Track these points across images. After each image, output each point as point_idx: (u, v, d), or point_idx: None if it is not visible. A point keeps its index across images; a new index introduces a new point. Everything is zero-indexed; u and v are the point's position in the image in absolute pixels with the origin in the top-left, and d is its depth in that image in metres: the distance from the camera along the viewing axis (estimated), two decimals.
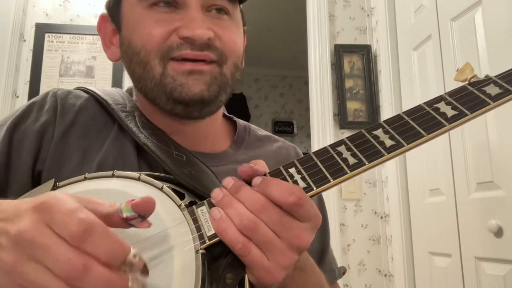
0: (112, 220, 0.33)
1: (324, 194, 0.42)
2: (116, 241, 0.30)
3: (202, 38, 0.50)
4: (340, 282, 0.69)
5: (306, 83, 2.81)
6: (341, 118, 2.02)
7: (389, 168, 1.90)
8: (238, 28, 0.57)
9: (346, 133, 2.04)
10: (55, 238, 0.30)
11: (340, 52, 2.10)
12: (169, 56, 0.51)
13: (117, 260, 0.30)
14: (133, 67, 0.54)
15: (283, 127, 4.59)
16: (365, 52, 2.11)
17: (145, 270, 0.33)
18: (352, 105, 2.05)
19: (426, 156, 1.65)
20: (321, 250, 0.67)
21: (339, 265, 0.70)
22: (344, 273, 0.69)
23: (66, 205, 0.31)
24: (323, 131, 2.00)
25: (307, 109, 3.40)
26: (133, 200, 0.34)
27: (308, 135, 2.90)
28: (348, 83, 2.07)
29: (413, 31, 1.82)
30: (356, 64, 2.10)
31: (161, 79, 0.52)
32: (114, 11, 0.57)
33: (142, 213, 0.34)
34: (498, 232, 1.22)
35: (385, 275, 1.91)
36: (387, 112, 1.96)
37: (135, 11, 0.53)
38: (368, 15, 2.19)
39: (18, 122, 0.55)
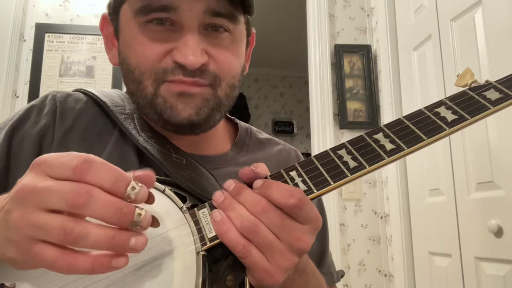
0: None
1: (324, 195, 0.42)
2: (116, 169, 0.32)
3: (193, 65, 0.49)
4: (340, 282, 0.69)
5: (306, 83, 2.82)
6: (341, 118, 2.02)
7: (389, 168, 1.90)
8: (237, 46, 0.55)
9: (346, 133, 2.04)
10: (56, 181, 0.31)
11: (340, 52, 2.10)
12: (163, 79, 0.51)
13: (121, 186, 0.32)
14: (127, 82, 0.54)
15: (283, 127, 4.59)
16: (365, 52, 2.11)
17: (150, 199, 0.34)
18: (352, 105, 2.05)
19: (426, 156, 1.66)
20: (320, 253, 0.67)
21: (339, 266, 0.70)
22: (342, 276, 0.69)
23: (58, 154, 0.33)
24: (323, 131, 2.00)
25: (307, 109, 3.40)
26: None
27: (308, 135, 2.90)
28: (348, 83, 2.07)
29: (413, 31, 1.82)
30: (356, 64, 2.10)
31: (152, 99, 0.51)
32: (113, 17, 0.57)
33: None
34: (498, 232, 1.22)
35: (385, 275, 1.91)
36: (387, 112, 1.96)
37: (131, 26, 0.52)
38: (368, 15, 2.19)
39: (17, 126, 0.55)
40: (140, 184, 0.33)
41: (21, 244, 0.31)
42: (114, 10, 0.56)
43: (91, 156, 0.32)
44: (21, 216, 0.31)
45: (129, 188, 0.32)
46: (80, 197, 0.30)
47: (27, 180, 0.32)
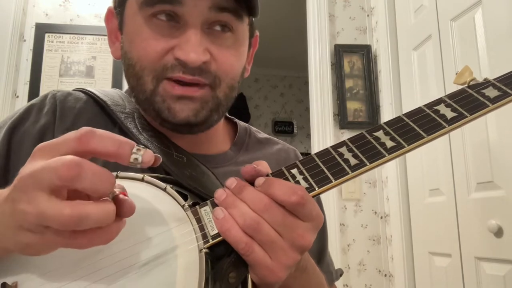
0: None
1: (324, 194, 0.42)
2: (120, 136, 0.33)
3: (194, 63, 0.49)
4: (340, 282, 0.69)
5: (306, 83, 2.82)
6: (341, 118, 2.03)
7: (389, 168, 1.90)
8: (240, 46, 0.55)
9: (346, 133, 2.04)
10: (51, 159, 0.31)
11: (340, 52, 2.10)
12: (163, 76, 0.51)
13: (126, 148, 0.33)
14: (128, 76, 0.54)
15: (283, 127, 4.59)
16: (365, 52, 2.11)
17: (156, 160, 0.35)
18: (352, 105, 2.05)
19: (426, 156, 1.66)
20: (319, 252, 0.67)
21: (339, 266, 0.70)
22: (341, 275, 0.69)
23: (59, 137, 0.33)
24: (323, 131, 2.00)
25: (307, 109, 3.40)
26: None
27: (308, 135, 2.90)
28: (348, 83, 2.08)
29: (413, 31, 1.83)
30: (356, 64, 2.11)
31: (151, 96, 0.52)
32: (118, 10, 0.57)
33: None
34: (498, 232, 1.22)
35: (385, 275, 1.91)
36: (387, 112, 1.96)
37: (136, 20, 0.52)
38: (368, 15, 2.19)
39: (17, 124, 0.55)
40: (144, 147, 0.33)
41: (33, 230, 0.31)
42: (119, 3, 0.56)
43: (90, 127, 0.33)
44: (27, 203, 0.31)
45: (134, 150, 0.33)
46: (72, 169, 0.30)
47: (27, 167, 0.32)
